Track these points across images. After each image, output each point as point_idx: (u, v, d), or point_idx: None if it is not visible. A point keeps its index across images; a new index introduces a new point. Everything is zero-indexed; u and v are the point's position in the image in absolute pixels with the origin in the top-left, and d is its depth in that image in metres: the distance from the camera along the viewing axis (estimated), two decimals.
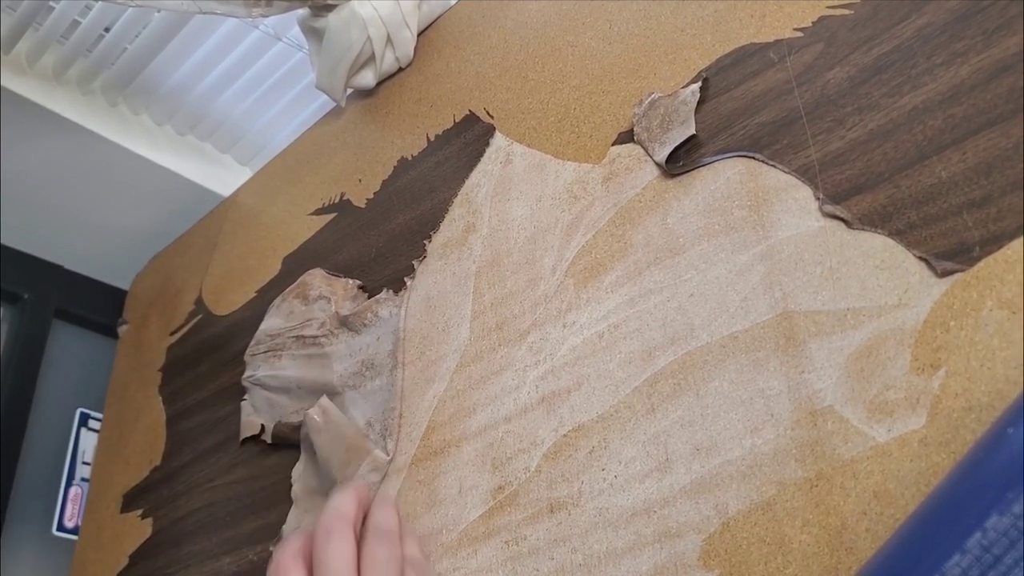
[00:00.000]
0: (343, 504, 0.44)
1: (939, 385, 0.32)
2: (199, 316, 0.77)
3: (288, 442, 0.60)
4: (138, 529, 0.70)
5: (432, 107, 0.63)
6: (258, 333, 0.66)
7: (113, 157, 0.87)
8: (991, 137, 0.34)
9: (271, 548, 0.57)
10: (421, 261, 0.57)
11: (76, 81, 0.87)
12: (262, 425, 0.61)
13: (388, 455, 0.52)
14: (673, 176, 0.45)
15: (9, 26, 0.80)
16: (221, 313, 0.74)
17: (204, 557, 0.63)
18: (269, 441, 0.61)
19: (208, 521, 0.64)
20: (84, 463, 0.82)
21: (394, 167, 0.64)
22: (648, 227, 0.45)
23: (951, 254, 0.34)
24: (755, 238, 0.40)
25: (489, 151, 0.56)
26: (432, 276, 0.56)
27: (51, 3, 0.82)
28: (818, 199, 0.39)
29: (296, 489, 0.56)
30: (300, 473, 0.56)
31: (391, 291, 0.58)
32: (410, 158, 0.62)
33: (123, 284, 0.92)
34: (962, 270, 0.33)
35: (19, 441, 0.78)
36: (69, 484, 0.81)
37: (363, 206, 0.65)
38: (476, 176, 0.56)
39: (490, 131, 0.57)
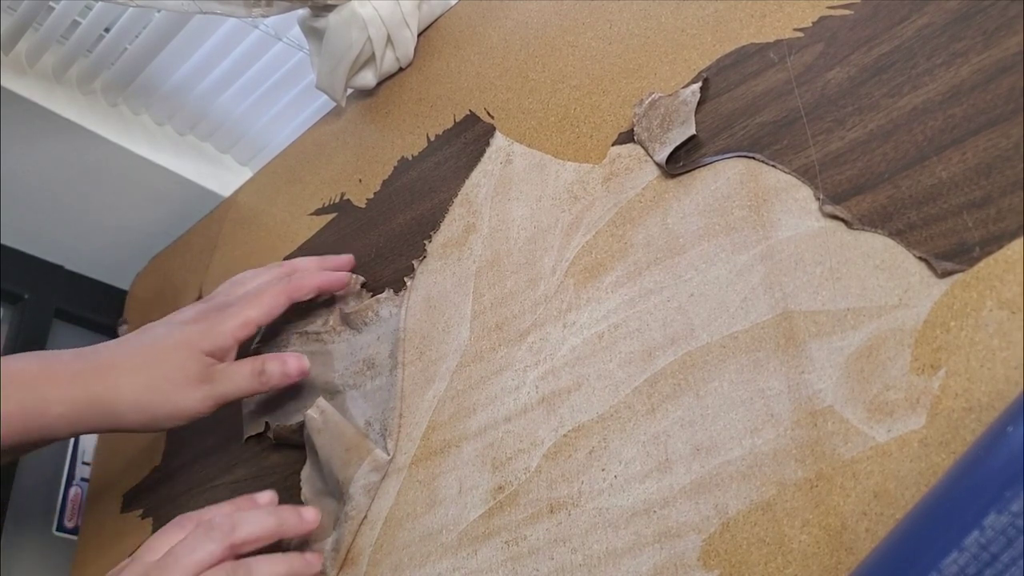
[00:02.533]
0: (249, 526, 0.48)
1: (939, 385, 0.32)
2: None
3: (288, 443, 0.60)
4: (138, 529, 0.70)
5: (432, 107, 0.63)
6: (263, 329, 0.66)
7: (113, 157, 0.87)
8: (991, 137, 0.34)
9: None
10: (421, 261, 0.57)
11: (76, 81, 0.87)
12: (266, 423, 0.61)
13: (388, 455, 0.52)
14: (673, 176, 0.45)
15: (9, 26, 0.80)
16: None
17: None
18: (273, 440, 0.61)
19: None
20: (84, 463, 0.82)
21: (394, 167, 0.64)
22: (648, 227, 0.45)
23: (951, 254, 0.34)
24: (755, 238, 0.40)
25: (489, 151, 0.56)
26: (432, 276, 0.56)
27: (51, 3, 0.82)
28: (818, 199, 0.39)
29: (305, 492, 0.56)
30: (307, 475, 0.56)
31: (392, 291, 0.58)
32: (410, 158, 0.62)
33: (123, 284, 0.92)
34: (962, 270, 0.33)
35: None
36: (69, 484, 0.81)
37: (363, 206, 0.65)
38: (476, 176, 0.56)
39: (490, 131, 0.57)
